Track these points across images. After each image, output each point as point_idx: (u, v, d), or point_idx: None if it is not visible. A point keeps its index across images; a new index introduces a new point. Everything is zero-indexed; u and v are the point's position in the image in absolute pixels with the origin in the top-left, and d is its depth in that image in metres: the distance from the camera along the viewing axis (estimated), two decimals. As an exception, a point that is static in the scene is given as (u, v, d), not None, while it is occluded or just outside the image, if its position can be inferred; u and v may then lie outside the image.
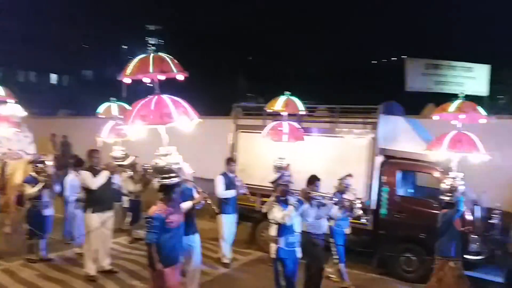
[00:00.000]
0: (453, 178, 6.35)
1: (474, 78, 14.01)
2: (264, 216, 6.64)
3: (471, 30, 20.07)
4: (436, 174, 7.73)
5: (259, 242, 8.83)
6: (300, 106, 8.23)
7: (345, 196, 7.13)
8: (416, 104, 13.06)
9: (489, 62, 14.13)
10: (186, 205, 6.11)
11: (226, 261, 8.06)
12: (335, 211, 6.80)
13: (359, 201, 7.15)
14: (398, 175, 8.03)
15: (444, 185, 6.40)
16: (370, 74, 28.26)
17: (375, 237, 8.00)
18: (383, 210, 8.00)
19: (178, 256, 5.04)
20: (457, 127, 6.53)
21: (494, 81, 14.76)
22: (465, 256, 7.26)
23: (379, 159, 8.05)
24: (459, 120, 6.51)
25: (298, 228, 6.10)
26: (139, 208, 9.28)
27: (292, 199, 5.98)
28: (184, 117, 4.59)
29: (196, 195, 6.20)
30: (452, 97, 17.11)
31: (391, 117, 8.34)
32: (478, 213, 7.58)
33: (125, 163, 8.16)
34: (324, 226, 6.68)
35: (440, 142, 6.40)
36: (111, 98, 8.69)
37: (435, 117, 6.77)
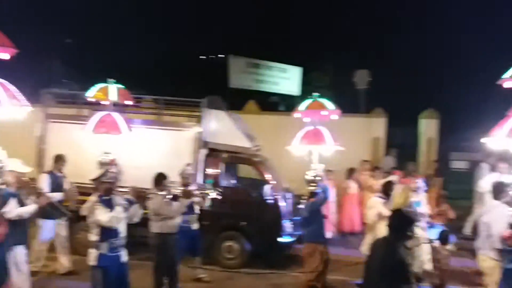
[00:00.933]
0: (315, 169, 6.82)
1: (288, 78, 15.42)
2: (81, 217, 5.83)
3: (286, 32, 22.03)
4: (255, 165, 8.34)
5: (74, 245, 7.83)
6: (126, 96, 7.78)
7: (191, 188, 6.97)
8: (240, 100, 13.76)
9: (300, 64, 15.72)
10: (25, 210, 5.28)
11: (35, 269, 7.17)
12: (181, 206, 6.41)
13: (212, 192, 7.10)
14: (221, 167, 8.35)
15: (307, 176, 6.79)
16: (198, 68, 28.74)
17: (200, 228, 8.16)
18: (207, 202, 8.20)
19: (5, 274, 4.27)
20: (308, 123, 7.07)
21: (306, 82, 16.46)
22: (278, 239, 8.06)
23: (204, 152, 8.24)
24: (320, 117, 7.05)
25: (124, 230, 5.50)
26: None
27: (118, 199, 5.39)
28: (14, 102, 3.85)
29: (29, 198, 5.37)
30: (270, 95, 18.39)
31: (215, 111, 8.60)
32: (289, 199, 8.40)
33: None
34: (177, 224, 6.40)
35: (308, 137, 6.84)
36: None
37: (297, 115, 7.17)
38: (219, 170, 8.29)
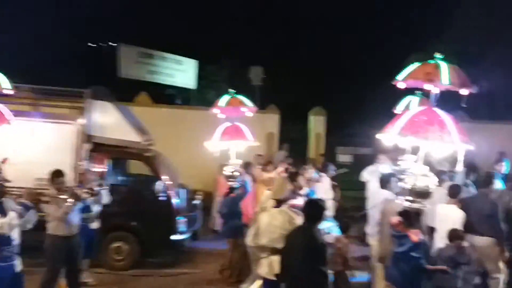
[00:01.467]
0: (234, 165, 6.82)
1: (183, 71, 15.01)
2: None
3: (182, 24, 21.57)
4: (146, 161, 7.95)
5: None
6: (5, 84, 6.90)
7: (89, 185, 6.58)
8: (131, 92, 13.15)
9: (196, 57, 15.43)
10: None
11: None
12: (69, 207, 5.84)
13: (105, 187, 6.74)
14: (108, 163, 7.86)
15: (225, 172, 6.84)
16: (87, 56, 26.99)
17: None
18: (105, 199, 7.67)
19: None
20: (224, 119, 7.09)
21: (202, 76, 16.24)
22: (172, 237, 7.80)
23: (87, 146, 7.69)
24: (239, 113, 7.08)
25: (17, 237, 4.99)
26: None
27: (11, 203, 4.90)
28: None
29: None
30: (166, 87, 17.82)
31: (101, 102, 8.05)
32: (183, 195, 8.19)
33: None
34: (73, 225, 5.89)
35: (225, 133, 6.82)
36: None
37: (216, 111, 7.09)
38: (105, 166, 7.77)
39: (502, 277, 5.95)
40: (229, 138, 6.95)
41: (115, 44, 16.32)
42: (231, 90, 7.25)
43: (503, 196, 6.14)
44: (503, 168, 7.49)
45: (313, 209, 4.60)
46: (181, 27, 21.62)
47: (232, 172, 6.91)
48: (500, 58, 12.46)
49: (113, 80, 13.04)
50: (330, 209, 8.34)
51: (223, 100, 7.21)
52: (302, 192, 6.26)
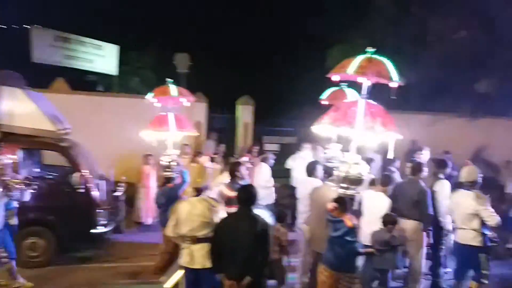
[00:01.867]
0: (170, 154, 6.71)
1: (103, 56, 14.16)
2: None
3: (103, 7, 20.40)
4: (62, 151, 7.49)
5: None
6: None
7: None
8: (48, 77, 12.22)
9: (118, 43, 14.64)
10: None
11: None
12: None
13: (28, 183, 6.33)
14: (19, 154, 7.26)
15: (162, 162, 6.73)
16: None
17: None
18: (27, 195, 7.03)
19: None
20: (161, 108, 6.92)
21: (124, 62, 15.48)
22: (92, 230, 7.43)
23: (-4, 135, 7.09)
24: (178, 103, 7.00)
25: None
26: None
27: None
28: None
29: None
30: (86, 73, 16.77)
31: (9, 88, 7.41)
32: (104, 187, 7.78)
33: None
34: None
35: (163, 122, 6.68)
36: None
37: (153, 100, 6.91)
38: (15, 157, 7.12)
39: (423, 259, 6.33)
40: (168, 128, 6.75)
41: (28, 27, 15.05)
42: (168, 80, 6.99)
43: (427, 182, 6.50)
44: (423, 156, 7.90)
45: (247, 193, 4.68)
46: (103, 10, 20.43)
47: (169, 162, 6.77)
48: (414, 50, 13.21)
49: (27, 65, 11.99)
50: (271, 197, 8.48)
51: (174, 89, 6.91)
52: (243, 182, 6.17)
